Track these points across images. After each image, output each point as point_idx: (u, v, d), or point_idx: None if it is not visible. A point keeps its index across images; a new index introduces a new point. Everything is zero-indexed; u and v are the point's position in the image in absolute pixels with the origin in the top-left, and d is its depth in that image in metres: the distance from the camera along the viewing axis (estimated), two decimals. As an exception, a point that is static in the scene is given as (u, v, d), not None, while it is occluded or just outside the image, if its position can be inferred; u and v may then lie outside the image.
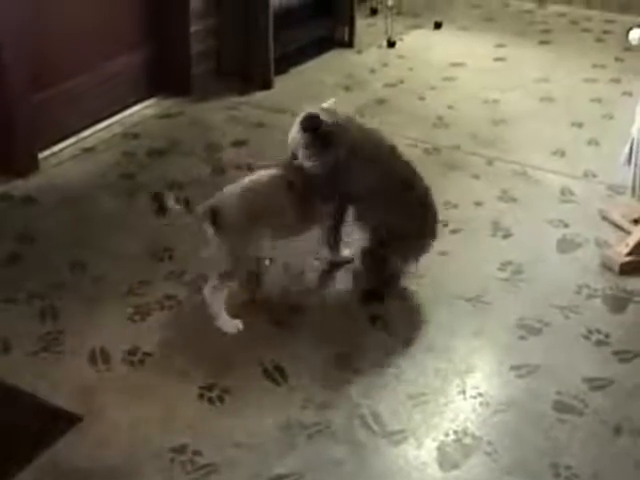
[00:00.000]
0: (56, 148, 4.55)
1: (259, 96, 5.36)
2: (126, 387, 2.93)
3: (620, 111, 5.09)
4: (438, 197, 3.47)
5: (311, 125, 3.23)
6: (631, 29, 3.70)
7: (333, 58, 6.08)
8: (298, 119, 3.30)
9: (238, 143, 4.69)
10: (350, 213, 3.45)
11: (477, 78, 5.76)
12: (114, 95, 4.91)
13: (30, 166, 4.31)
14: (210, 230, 3.12)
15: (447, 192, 4.07)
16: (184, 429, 2.75)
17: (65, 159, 4.49)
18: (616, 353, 3.15)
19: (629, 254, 3.61)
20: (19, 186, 4.18)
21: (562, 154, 4.65)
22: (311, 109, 3.31)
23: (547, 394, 2.93)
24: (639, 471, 2.65)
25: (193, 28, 5.24)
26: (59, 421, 2.75)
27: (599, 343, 3.20)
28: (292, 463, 2.63)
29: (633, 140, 3.68)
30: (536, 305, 3.39)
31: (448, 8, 7.27)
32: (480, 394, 2.93)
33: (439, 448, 2.70)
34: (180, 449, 2.66)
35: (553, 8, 7.37)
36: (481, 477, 2.61)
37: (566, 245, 3.80)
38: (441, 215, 3.51)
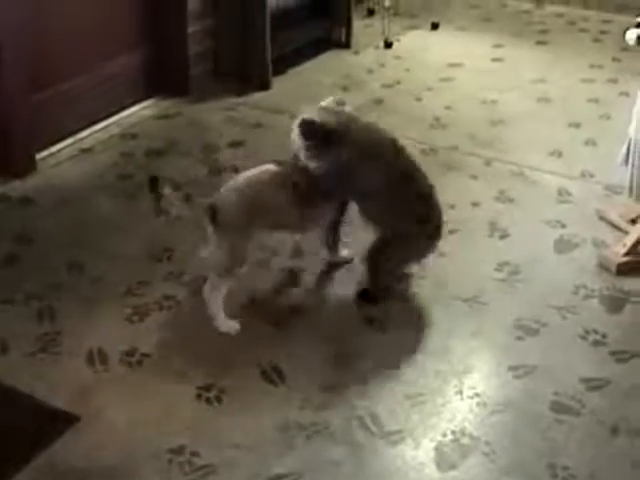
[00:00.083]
0: (54, 149, 4.55)
1: (257, 97, 5.36)
2: (124, 388, 2.93)
3: (617, 111, 5.09)
4: (435, 198, 3.48)
5: (308, 131, 3.22)
6: (628, 29, 3.70)
7: (330, 59, 6.08)
8: (296, 122, 3.28)
9: (235, 144, 4.69)
10: (350, 213, 3.45)
11: (474, 79, 5.76)
12: (112, 96, 4.91)
13: (28, 167, 4.31)
14: (209, 227, 3.13)
15: (444, 192, 4.04)
16: (182, 430, 2.75)
17: (63, 160, 4.49)
18: (613, 353, 3.15)
19: (626, 254, 3.61)
20: (16, 187, 4.18)
21: (559, 154, 4.66)
22: (309, 111, 3.29)
23: (544, 394, 2.94)
24: (636, 471, 2.66)
25: (191, 29, 5.24)
26: (57, 422, 2.75)
27: (596, 343, 3.20)
28: (290, 463, 2.63)
29: (630, 140, 3.68)
30: (533, 305, 3.40)
31: (445, 9, 7.27)
32: (477, 394, 2.93)
33: (437, 448, 2.71)
34: (178, 450, 2.66)
35: (550, 8, 7.38)
36: (479, 477, 2.62)
37: (563, 245, 3.81)
38: (439, 216, 3.52)
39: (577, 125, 5.03)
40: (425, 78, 5.74)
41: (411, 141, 4.63)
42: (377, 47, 6.30)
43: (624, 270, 3.59)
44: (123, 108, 5.03)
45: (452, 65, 5.97)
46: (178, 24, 5.19)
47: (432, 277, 3.55)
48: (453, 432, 2.77)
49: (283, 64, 5.69)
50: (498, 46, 6.39)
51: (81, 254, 3.63)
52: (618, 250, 3.64)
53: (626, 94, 5.24)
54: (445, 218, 3.43)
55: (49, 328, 3.19)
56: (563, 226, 3.94)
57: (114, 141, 4.72)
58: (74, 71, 4.61)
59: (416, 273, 3.54)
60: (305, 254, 3.63)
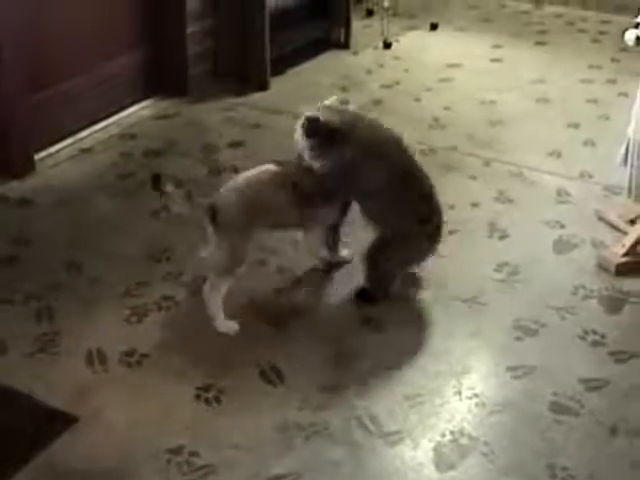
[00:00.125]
0: (53, 149, 4.55)
1: (256, 97, 5.36)
2: (123, 388, 2.93)
3: (616, 112, 5.09)
4: (435, 198, 3.48)
5: (312, 129, 3.21)
6: (627, 30, 3.70)
7: (329, 59, 6.08)
8: (299, 122, 3.26)
9: (235, 144, 4.69)
10: (351, 213, 3.45)
11: (473, 79, 5.76)
12: (111, 96, 4.92)
13: (26, 167, 4.31)
14: (209, 227, 3.13)
15: (443, 193, 4.03)
16: (181, 430, 2.75)
17: (62, 160, 4.49)
18: (612, 354, 3.15)
19: (625, 255, 3.61)
20: (15, 187, 4.18)
21: (558, 155, 4.66)
22: (311, 110, 3.28)
23: (543, 395, 2.94)
24: (635, 472, 2.66)
25: (190, 29, 5.24)
26: (55, 422, 2.75)
27: (595, 344, 3.20)
28: (290, 464, 2.63)
29: (629, 141, 3.68)
30: (532, 306, 3.40)
31: (444, 9, 7.27)
32: (476, 395, 2.93)
33: (435, 449, 2.71)
34: (177, 450, 2.66)
35: (549, 9, 7.38)
36: (477, 478, 2.62)
37: (562, 246, 3.81)
38: (439, 216, 3.52)
39: (576, 125, 5.03)
40: (424, 78, 5.74)
41: (410, 141, 4.61)
42: (376, 47, 6.30)
43: (623, 270, 3.59)
44: (122, 108, 5.03)
45: (451, 65, 5.97)
46: (177, 24, 5.19)
47: (431, 277, 3.55)
48: (452, 432, 2.77)
49: (282, 64, 5.69)
50: (497, 46, 6.40)
51: (80, 254, 3.63)
52: (617, 251, 3.64)
53: (625, 94, 5.23)
54: (444, 218, 3.43)
55: (48, 328, 3.19)
56: (562, 226, 3.94)
57: (113, 141, 4.72)
58: (73, 71, 4.61)
59: (415, 274, 3.53)
60: (304, 254, 3.62)
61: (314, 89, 5.41)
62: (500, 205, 4.13)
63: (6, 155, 4.25)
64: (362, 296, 3.41)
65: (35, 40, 4.27)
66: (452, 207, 4.00)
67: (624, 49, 5.78)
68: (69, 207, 4.02)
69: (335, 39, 6.27)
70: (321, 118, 3.21)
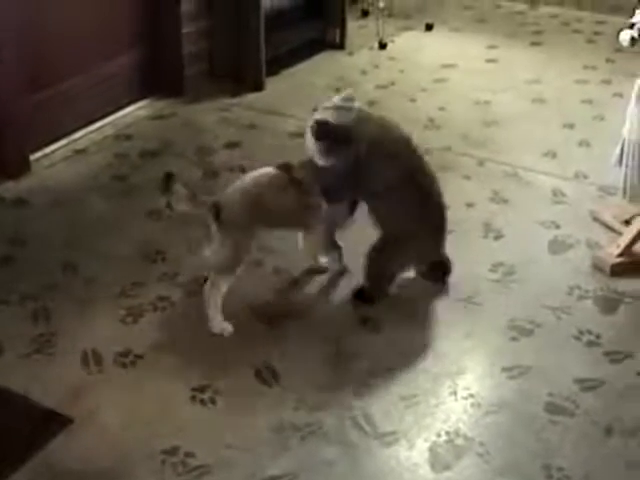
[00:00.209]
0: (48, 150, 4.55)
1: (251, 98, 5.36)
2: (118, 389, 2.93)
3: (611, 112, 5.10)
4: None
5: (322, 132, 3.18)
6: (622, 30, 3.70)
7: (324, 60, 6.08)
8: (309, 125, 3.22)
9: (231, 145, 4.69)
10: (346, 215, 3.45)
11: (468, 79, 5.77)
12: (107, 96, 4.91)
13: (22, 168, 4.31)
14: (213, 225, 3.14)
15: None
16: (176, 431, 2.75)
17: (57, 161, 4.49)
18: (607, 354, 3.16)
19: (620, 255, 3.62)
20: (10, 188, 4.18)
21: (553, 155, 4.66)
22: (321, 111, 3.25)
23: (538, 395, 2.94)
24: (630, 472, 2.66)
25: (185, 30, 5.24)
26: (51, 423, 2.75)
27: (590, 344, 3.21)
28: (285, 464, 2.63)
29: (624, 141, 3.68)
30: (527, 306, 3.40)
31: (439, 10, 7.28)
32: (472, 395, 2.94)
33: (431, 449, 2.71)
34: (172, 451, 2.66)
35: (544, 9, 7.39)
36: (473, 478, 2.62)
37: (557, 246, 3.81)
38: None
39: (571, 126, 5.04)
40: (419, 79, 5.75)
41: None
42: (371, 48, 6.31)
43: (618, 271, 3.59)
44: (118, 108, 5.03)
45: (446, 66, 5.97)
46: (173, 25, 5.20)
47: (426, 278, 3.56)
48: (447, 433, 2.77)
49: (277, 65, 5.69)
50: (492, 47, 6.40)
51: (75, 255, 3.63)
52: (612, 251, 3.64)
53: (620, 95, 5.25)
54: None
55: (44, 329, 3.19)
56: (557, 227, 3.95)
57: (108, 142, 4.72)
58: (69, 72, 4.61)
59: (408, 274, 3.54)
60: (301, 254, 3.62)
61: (309, 89, 5.42)
62: (495, 205, 4.13)
63: (2, 155, 4.25)
64: (359, 296, 3.41)
65: (34, 40, 4.27)
66: (447, 207, 3.99)
67: (619, 50, 5.79)
68: (64, 208, 4.01)
69: (330, 40, 6.27)
70: (330, 119, 3.19)
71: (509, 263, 3.66)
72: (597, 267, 3.64)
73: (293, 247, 3.56)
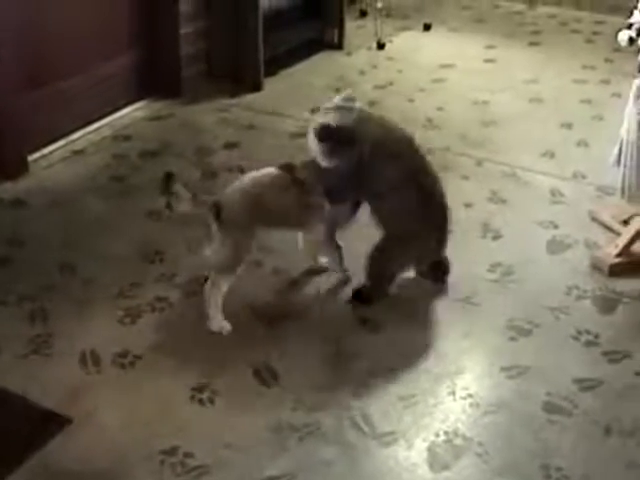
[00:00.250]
0: (46, 150, 4.54)
1: (249, 98, 5.36)
2: (116, 389, 2.92)
3: (609, 112, 5.10)
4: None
5: (325, 134, 3.18)
6: (620, 30, 3.70)
7: (322, 60, 6.08)
8: (312, 127, 3.22)
9: (229, 145, 4.69)
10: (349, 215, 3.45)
11: (467, 79, 5.77)
12: (105, 97, 4.91)
13: (20, 168, 4.30)
14: (214, 225, 3.14)
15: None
16: (175, 431, 2.75)
17: (55, 162, 4.48)
18: (605, 354, 3.15)
19: (618, 255, 3.62)
20: (8, 189, 4.18)
21: (552, 155, 4.66)
22: (322, 108, 3.27)
23: (537, 395, 2.94)
24: (629, 472, 2.66)
25: (183, 30, 5.24)
26: (49, 423, 2.75)
27: (589, 344, 3.21)
28: (284, 464, 2.63)
29: (622, 141, 3.68)
30: (526, 306, 3.40)
31: (438, 10, 7.28)
32: (470, 395, 2.93)
33: (429, 449, 2.71)
34: (171, 451, 2.66)
35: (543, 9, 7.39)
36: (472, 478, 2.62)
37: (556, 246, 3.81)
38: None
39: (569, 126, 5.04)
40: (417, 79, 5.75)
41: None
42: (369, 48, 6.31)
43: (616, 271, 3.59)
44: (116, 109, 5.03)
45: (444, 66, 5.97)
46: (171, 25, 5.19)
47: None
48: (446, 433, 2.77)
49: (275, 65, 5.69)
50: (490, 47, 6.40)
51: (73, 256, 3.62)
52: (610, 251, 3.64)
53: (618, 95, 5.24)
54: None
55: (41, 330, 3.19)
56: (555, 227, 3.95)
57: (106, 143, 4.71)
58: (67, 72, 4.60)
59: (407, 275, 3.53)
60: (300, 255, 3.62)
61: (307, 90, 5.42)
62: (493, 205, 4.13)
63: (0, 156, 4.24)
64: (358, 297, 3.41)
65: (32, 40, 4.27)
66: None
67: (617, 49, 5.78)
68: (62, 208, 4.01)
69: (328, 40, 6.28)
70: (333, 121, 3.19)
71: (507, 263, 3.66)
72: (595, 267, 3.64)
73: (293, 247, 3.56)
